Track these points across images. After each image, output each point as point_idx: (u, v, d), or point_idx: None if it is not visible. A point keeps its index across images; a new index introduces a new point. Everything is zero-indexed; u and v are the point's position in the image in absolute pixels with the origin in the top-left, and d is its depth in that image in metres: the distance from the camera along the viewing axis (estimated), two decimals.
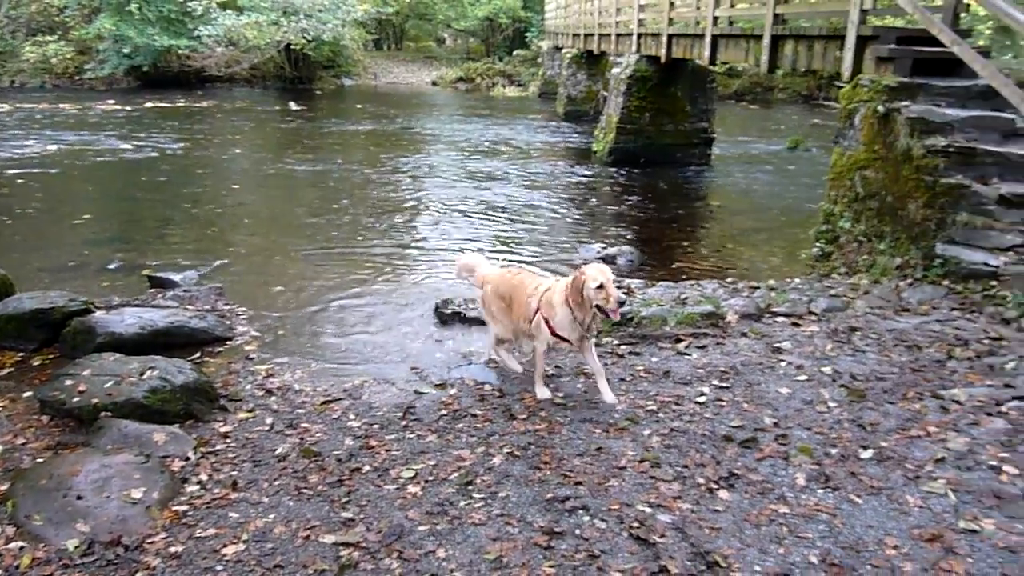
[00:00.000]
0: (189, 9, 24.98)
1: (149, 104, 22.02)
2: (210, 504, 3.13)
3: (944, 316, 4.93)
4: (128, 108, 21.12)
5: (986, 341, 4.48)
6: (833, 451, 3.38)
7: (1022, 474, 3.12)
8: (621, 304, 3.74)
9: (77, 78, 26.82)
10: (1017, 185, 5.52)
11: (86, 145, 14.68)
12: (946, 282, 5.41)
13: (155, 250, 7.91)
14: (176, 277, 6.49)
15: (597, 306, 3.76)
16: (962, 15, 6.65)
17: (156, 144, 15.10)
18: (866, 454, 3.34)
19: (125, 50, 25.44)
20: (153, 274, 6.63)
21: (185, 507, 3.10)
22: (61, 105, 21.14)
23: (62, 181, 11.68)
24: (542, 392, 4.09)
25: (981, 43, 9.95)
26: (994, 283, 5.10)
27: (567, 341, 3.97)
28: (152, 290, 6.27)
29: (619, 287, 5.80)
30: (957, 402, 3.77)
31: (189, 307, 5.60)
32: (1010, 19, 5.61)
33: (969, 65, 5.97)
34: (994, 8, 5.77)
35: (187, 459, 3.49)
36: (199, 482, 3.31)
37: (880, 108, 6.26)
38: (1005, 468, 3.16)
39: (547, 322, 3.95)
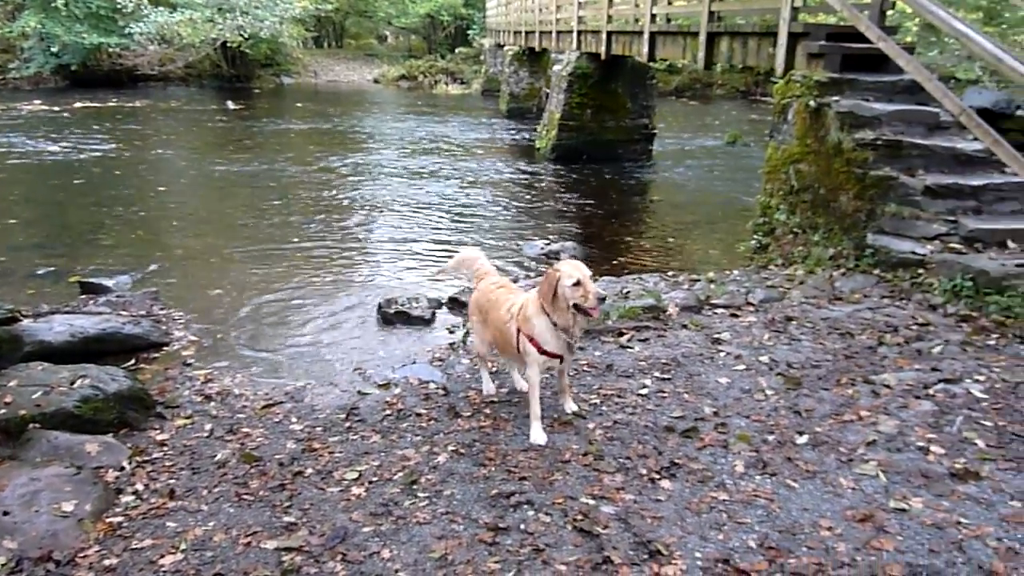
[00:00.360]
0: (119, 6, 24.21)
1: (78, 104, 21.29)
2: (146, 514, 3.05)
3: (875, 304, 5.10)
4: (56, 108, 20.38)
5: (914, 327, 4.65)
6: (770, 438, 3.46)
7: (948, 454, 3.25)
8: (601, 300, 3.37)
9: (1, 77, 25.79)
10: (942, 176, 5.73)
11: (10, 147, 14.13)
12: (877, 271, 5.60)
13: (86, 255, 7.67)
14: (108, 282, 6.31)
15: (575, 305, 3.36)
16: (889, 12, 6.87)
17: (86, 146, 14.61)
18: (802, 439, 3.44)
19: (52, 48, 24.56)
20: (84, 279, 6.43)
21: (120, 518, 3.02)
22: None
23: None
24: (537, 436, 3.51)
25: (909, 39, 10.34)
26: (921, 271, 5.30)
27: (558, 356, 3.54)
28: (83, 296, 6.08)
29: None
30: (887, 386, 3.90)
31: (123, 313, 5.45)
32: (933, 17, 5.82)
33: (895, 61, 6.17)
34: (918, 6, 5.99)
35: (122, 469, 3.39)
36: (135, 492, 3.22)
37: (811, 103, 6.44)
38: (932, 448, 3.29)
39: (531, 340, 3.49)
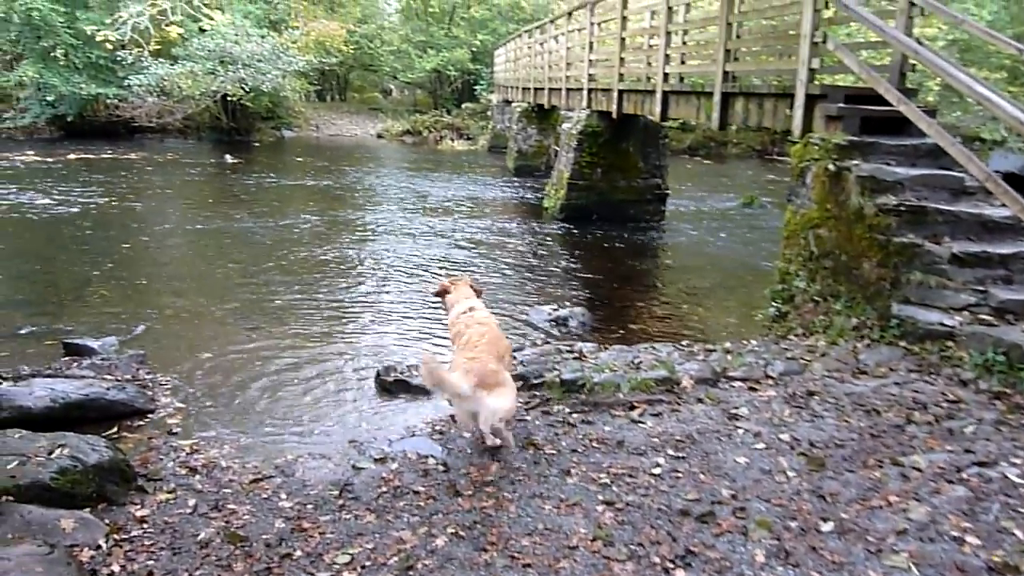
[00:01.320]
0: (119, 57, 24.87)
1: (72, 156, 21.68)
2: None
3: (902, 378, 5.06)
4: (49, 160, 20.75)
5: (944, 404, 4.60)
6: (793, 524, 3.39)
7: (985, 545, 3.17)
8: None
9: None
10: (969, 244, 5.74)
11: (0, 199, 14.33)
12: (903, 343, 5.56)
13: (72, 314, 7.69)
14: (94, 344, 6.30)
15: None
16: (908, 74, 7.00)
17: (78, 199, 14.82)
18: (826, 527, 3.36)
19: (49, 98, 25.14)
20: (68, 340, 6.42)
21: None
22: None
23: None
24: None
25: (930, 99, 10.51)
26: (950, 343, 5.26)
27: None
28: (67, 358, 6.07)
29: (570, 351, 5.87)
30: (917, 469, 3.83)
31: (107, 377, 5.43)
32: (954, 80, 5.92)
33: (916, 124, 6.26)
34: (937, 68, 6.10)
35: (98, 548, 3.33)
36: (110, 574, 3.16)
37: (831, 166, 6.50)
38: (967, 539, 3.21)
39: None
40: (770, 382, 5.17)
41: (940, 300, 5.56)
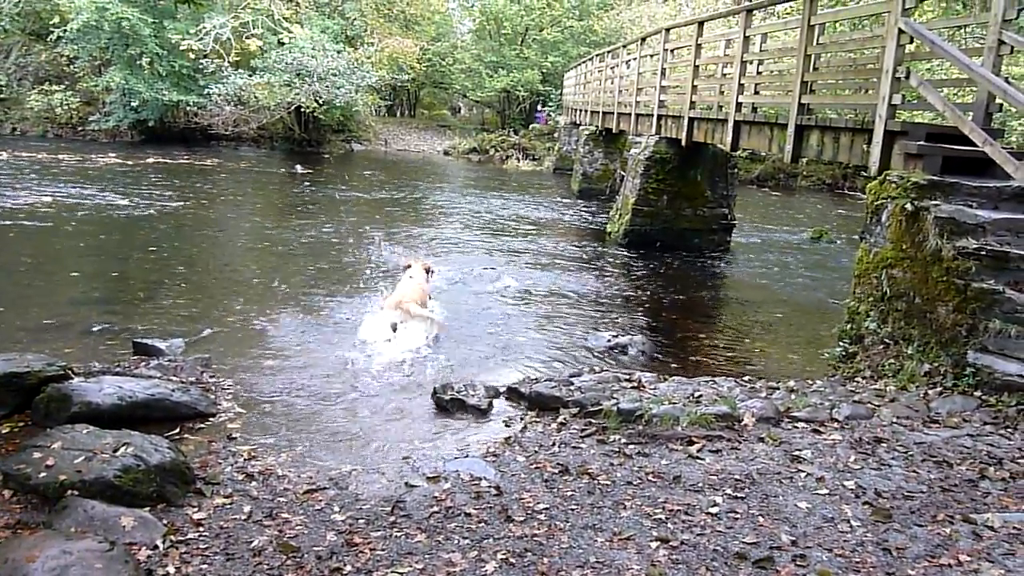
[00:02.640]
0: (201, 66, 25.76)
1: (151, 159, 22.49)
2: None
3: (976, 430, 4.85)
4: (129, 163, 21.56)
5: (1022, 461, 4.39)
6: None
7: None
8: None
9: (80, 129, 27.55)
10: None
11: (82, 199, 14.93)
12: (978, 393, 5.34)
13: (142, 314, 7.93)
14: (162, 345, 6.48)
15: None
16: (995, 114, 6.78)
17: (154, 201, 15.34)
18: None
19: (133, 103, 26.16)
20: (138, 340, 6.62)
21: None
22: (61, 156, 21.61)
23: (53, 235, 11.82)
24: None
25: (1012, 139, 10.15)
26: None
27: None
28: (135, 357, 6.25)
29: (629, 380, 5.81)
30: (991, 528, 3.66)
31: (173, 378, 5.57)
32: None
33: (1002, 166, 6.05)
34: None
35: (155, 548, 3.40)
36: (165, 574, 3.21)
37: (908, 206, 6.32)
38: None
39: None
40: (835, 425, 5.02)
41: (1020, 351, 5.33)
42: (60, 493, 3.66)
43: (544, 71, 35.27)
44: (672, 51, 13.86)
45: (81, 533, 3.33)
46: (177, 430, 4.83)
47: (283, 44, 26.91)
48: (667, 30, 14.05)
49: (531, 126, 34.84)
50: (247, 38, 25.91)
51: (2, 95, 28.12)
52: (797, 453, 4.55)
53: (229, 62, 25.91)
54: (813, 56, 8.68)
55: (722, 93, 11.43)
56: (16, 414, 4.77)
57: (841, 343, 6.98)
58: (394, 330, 7.30)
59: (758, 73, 10.40)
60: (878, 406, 5.35)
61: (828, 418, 5.12)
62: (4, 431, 4.58)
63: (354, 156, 30.51)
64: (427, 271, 8.70)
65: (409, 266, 8.61)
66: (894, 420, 5.07)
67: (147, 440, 4.11)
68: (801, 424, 5.05)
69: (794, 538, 3.58)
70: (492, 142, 33.37)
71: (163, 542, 3.45)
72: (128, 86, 25.80)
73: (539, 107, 35.67)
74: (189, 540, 3.51)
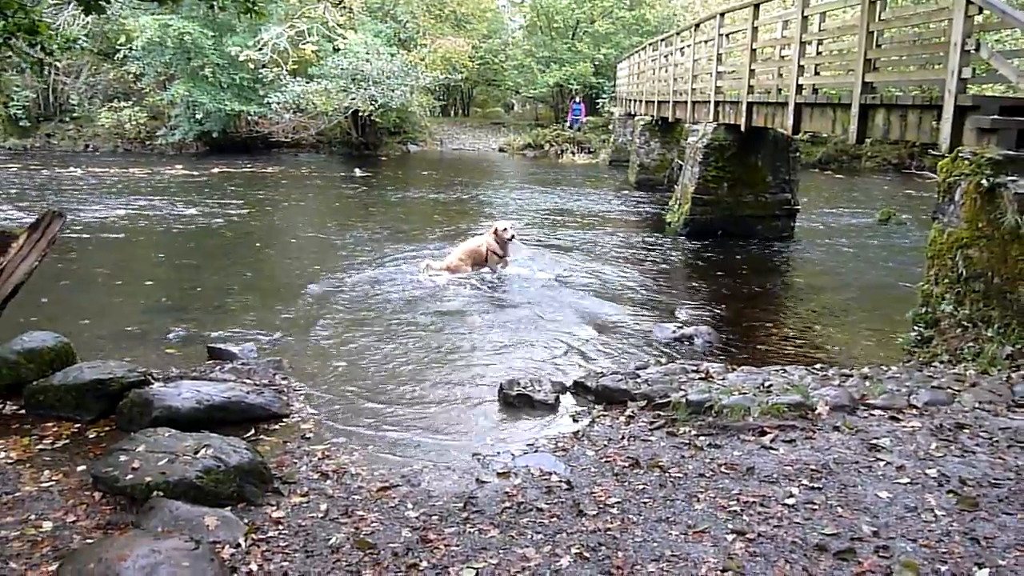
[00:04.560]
0: (261, 76, 26.33)
1: (216, 169, 23.10)
2: None
3: None
4: (195, 173, 22.19)
5: None
6: (943, 568, 3.16)
7: None
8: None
9: (148, 143, 28.48)
10: None
11: (153, 210, 15.44)
12: None
13: (215, 319, 8.16)
14: (235, 349, 6.65)
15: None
16: None
17: (221, 210, 15.76)
18: (981, 573, 3.12)
19: (197, 115, 26.89)
20: (212, 345, 6.81)
21: None
22: (131, 170, 22.38)
23: (127, 246, 12.26)
24: None
25: None
26: None
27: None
28: (210, 362, 6.43)
29: (696, 371, 5.75)
30: None
31: (247, 381, 5.71)
32: None
33: None
34: None
35: (237, 546, 3.49)
36: (248, 572, 3.30)
37: (984, 182, 6.09)
38: None
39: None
40: (914, 412, 4.86)
41: None
42: (146, 494, 3.79)
43: (597, 63, 34.98)
44: (727, 36, 13.63)
45: (168, 533, 3.44)
46: (252, 431, 4.94)
47: (338, 50, 27.34)
48: (722, 15, 13.79)
49: (567, 123, 34.32)
50: (303, 46, 26.46)
51: (75, 114, 29.27)
52: (875, 441, 4.43)
53: (287, 71, 26.48)
54: (876, 32, 8.43)
55: (781, 76, 11.19)
56: (101, 419, 4.96)
57: (916, 327, 6.77)
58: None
59: (818, 53, 10.13)
60: (958, 391, 5.16)
61: (906, 405, 4.96)
62: (91, 436, 4.76)
63: (411, 157, 30.81)
64: (495, 234, 10.27)
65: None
66: (976, 405, 4.89)
67: (225, 442, 4.22)
68: (878, 411, 4.90)
69: (876, 529, 3.49)
70: (547, 137, 33.30)
71: (245, 540, 3.54)
72: (192, 98, 26.51)
73: (575, 99, 34.80)
74: (269, 538, 3.59)
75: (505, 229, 10.24)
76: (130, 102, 28.63)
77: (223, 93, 27.02)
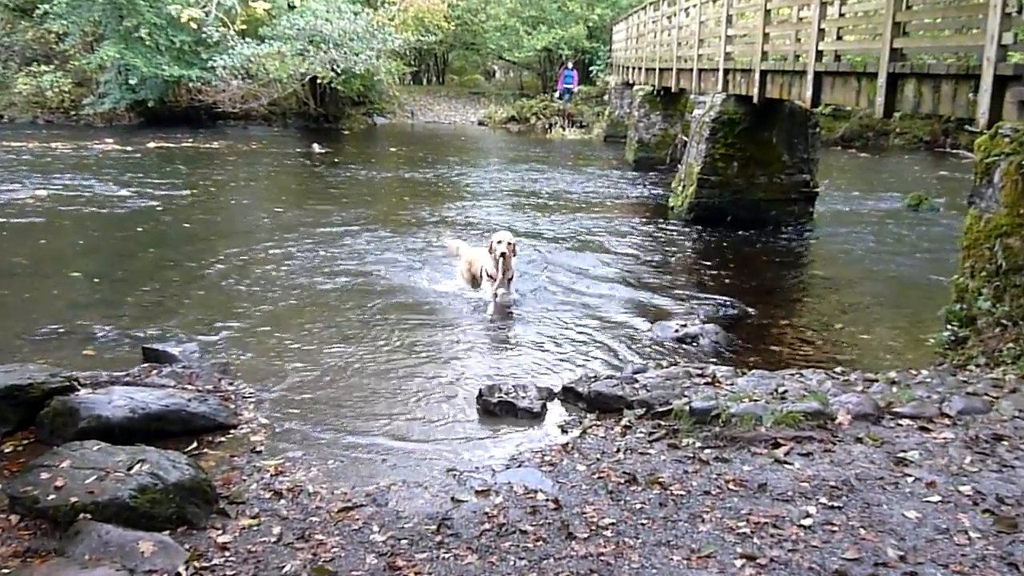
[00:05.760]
0: (204, 35, 26.07)
1: (152, 144, 22.93)
2: None
3: None
4: (129, 148, 22.02)
5: None
6: None
7: None
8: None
9: (73, 113, 28.16)
10: None
11: (79, 190, 15.30)
12: None
13: (151, 316, 8.11)
14: (174, 350, 6.61)
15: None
16: None
17: (158, 191, 15.66)
18: None
19: (131, 81, 26.59)
20: (148, 345, 6.77)
21: None
22: (54, 144, 22.14)
23: (49, 232, 12.14)
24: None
25: None
26: None
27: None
28: (146, 364, 6.38)
29: (702, 375, 5.79)
30: None
31: (188, 386, 5.68)
32: None
33: None
34: None
35: (177, 575, 3.48)
36: None
37: None
38: None
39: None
40: (946, 422, 4.93)
41: None
42: (72, 517, 3.76)
43: (590, 25, 34.97)
44: None
45: (96, 560, 3.43)
46: (195, 444, 4.92)
47: (293, 8, 27.19)
48: None
49: (556, 93, 34.22)
50: (253, 3, 26.26)
51: None
52: (902, 455, 4.48)
53: (234, 31, 26.27)
54: None
55: (799, 40, 11.24)
56: (19, 431, 4.90)
57: (949, 326, 6.85)
58: None
59: (841, 15, 10.19)
60: (996, 398, 5.24)
61: (937, 413, 5.03)
62: (7, 450, 4.71)
63: (377, 131, 30.76)
64: (489, 249, 8.69)
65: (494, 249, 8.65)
66: (1016, 414, 4.96)
67: (164, 456, 4.20)
68: (905, 421, 4.97)
69: (903, 553, 3.53)
70: (533, 109, 33.35)
71: (186, 569, 3.52)
72: (124, 62, 26.23)
73: (566, 65, 34.47)
74: (215, 566, 3.58)
75: (500, 243, 8.51)
76: (52, 66, 28.23)
77: (160, 56, 26.76)
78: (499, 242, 8.51)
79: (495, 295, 8.66)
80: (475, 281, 9.14)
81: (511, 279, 8.80)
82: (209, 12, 25.60)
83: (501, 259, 8.48)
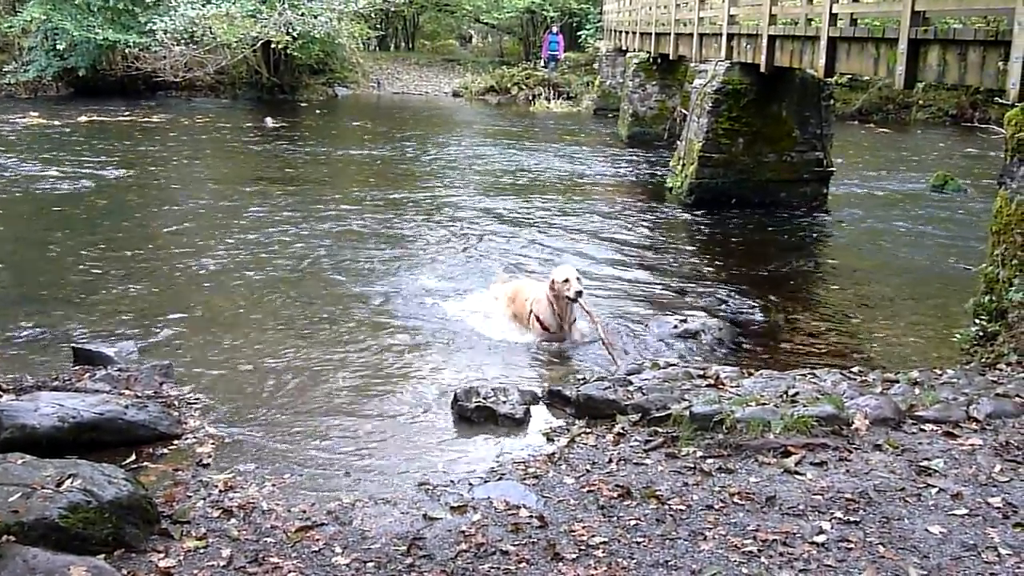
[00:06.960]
0: None
1: (84, 118, 22.75)
2: None
3: None
4: (56, 123, 21.83)
5: None
6: None
7: None
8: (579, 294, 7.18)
9: None
10: None
11: None
12: None
13: (83, 313, 8.05)
14: (109, 351, 6.57)
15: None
16: None
17: (90, 170, 15.54)
18: None
19: (59, 46, 26.31)
20: (79, 346, 6.72)
21: None
22: None
23: None
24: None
25: None
26: None
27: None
28: (77, 368, 6.34)
29: (703, 376, 5.82)
30: None
31: (125, 392, 5.65)
32: None
33: None
34: None
35: None
36: None
37: None
38: None
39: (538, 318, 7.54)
40: (974, 426, 4.98)
41: None
42: None
43: None
44: None
45: None
46: (134, 457, 4.90)
47: None
48: None
49: (541, 61, 34.19)
50: None
51: None
52: (925, 463, 4.53)
53: None
54: None
55: (811, 2, 11.28)
56: None
57: (977, 320, 6.91)
58: None
59: None
60: None
61: (964, 417, 5.08)
62: None
63: (339, 103, 30.64)
64: (552, 287, 7.41)
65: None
66: None
67: (98, 470, 4.17)
68: (929, 426, 5.01)
69: (926, 572, 3.57)
70: (515, 78, 33.30)
71: None
72: (51, 25, 25.99)
73: (551, 29, 34.37)
74: None
75: (566, 281, 7.22)
76: None
77: (92, 18, 26.54)
78: (565, 280, 7.22)
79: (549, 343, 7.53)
80: (518, 319, 7.88)
81: (573, 323, 7.69)
82: None
83: (567, 304, 7.39)
